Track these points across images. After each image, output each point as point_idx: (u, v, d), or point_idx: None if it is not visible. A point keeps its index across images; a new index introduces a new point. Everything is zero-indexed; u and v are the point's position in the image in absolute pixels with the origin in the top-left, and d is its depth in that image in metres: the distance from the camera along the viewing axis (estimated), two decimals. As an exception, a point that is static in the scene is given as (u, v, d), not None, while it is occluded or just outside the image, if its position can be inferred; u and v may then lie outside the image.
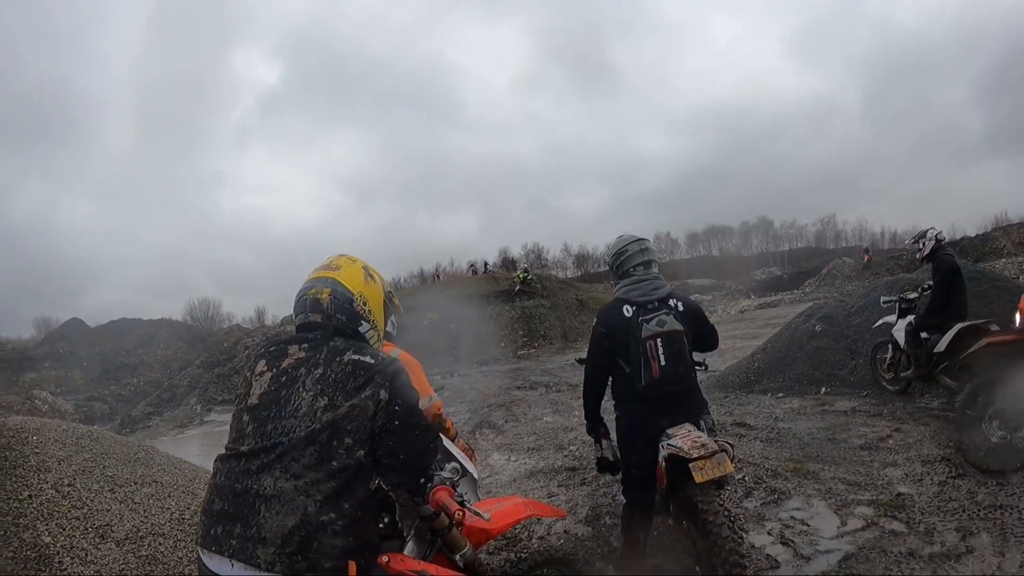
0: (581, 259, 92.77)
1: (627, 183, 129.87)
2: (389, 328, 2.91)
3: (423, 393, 4.04)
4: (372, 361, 2.35)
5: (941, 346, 7.64)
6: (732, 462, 3.87)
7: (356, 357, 2.35)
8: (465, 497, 2.63)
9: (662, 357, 4.04)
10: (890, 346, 9.07)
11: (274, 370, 2.40)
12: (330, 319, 2.51)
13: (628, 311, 4.18)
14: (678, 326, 4.10)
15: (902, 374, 8.81)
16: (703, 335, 4.42)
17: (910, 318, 8.53)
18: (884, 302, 9.38)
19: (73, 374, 39.63)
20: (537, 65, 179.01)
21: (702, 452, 3.77)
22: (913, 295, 8.78)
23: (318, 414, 2.24)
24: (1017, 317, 6.24)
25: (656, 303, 4.18)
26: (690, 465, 3.74)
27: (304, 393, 2.30)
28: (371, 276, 2.69)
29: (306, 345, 2.43)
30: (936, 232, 8.20)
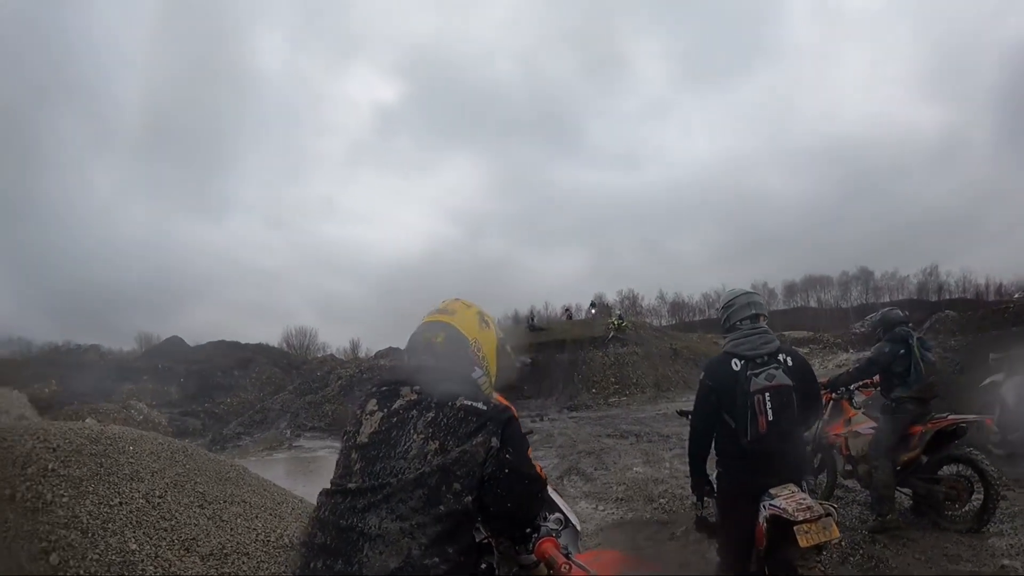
0: (676, 307, 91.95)
1: (735, 226, 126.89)
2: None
3: None
4: (484, 408, 2.32)
5: None
6: (837, 527, 3.74)
7: (469, 403, 2.33)
8: (568, 549, 2.54)
9: (770, 412, 3.97)
10: (998, 406, 8.55)
11: (385, 410, 2.40)
12: (444, 364, 2.49)
13: (736, 365, 4.11)
14: (787, 381, 4.02)
15: (1010, 436, 8.27)
16: (809, 397, 4.23)
17: (1021, 376, 8.06)
18: (993, 359, 8.87)
19: (170, 389, 40.94)
20: (668, 93, 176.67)
21: (808, 515, 3.68)
22: None
23: (428, 457, 2.22)
24: None
25: (765, 357, 4.10)
26: (795, 528, 3.67)
27: (415, 435, 2.28)
28: (485, 322, 2.68)
29: (418, 388, 2.42)
30: None
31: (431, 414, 2.30)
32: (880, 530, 6.42)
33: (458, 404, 2.31)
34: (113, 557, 3.87)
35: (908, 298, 73.21)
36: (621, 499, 8.73)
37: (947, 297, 71.18)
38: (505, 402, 3.12)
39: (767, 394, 3.97)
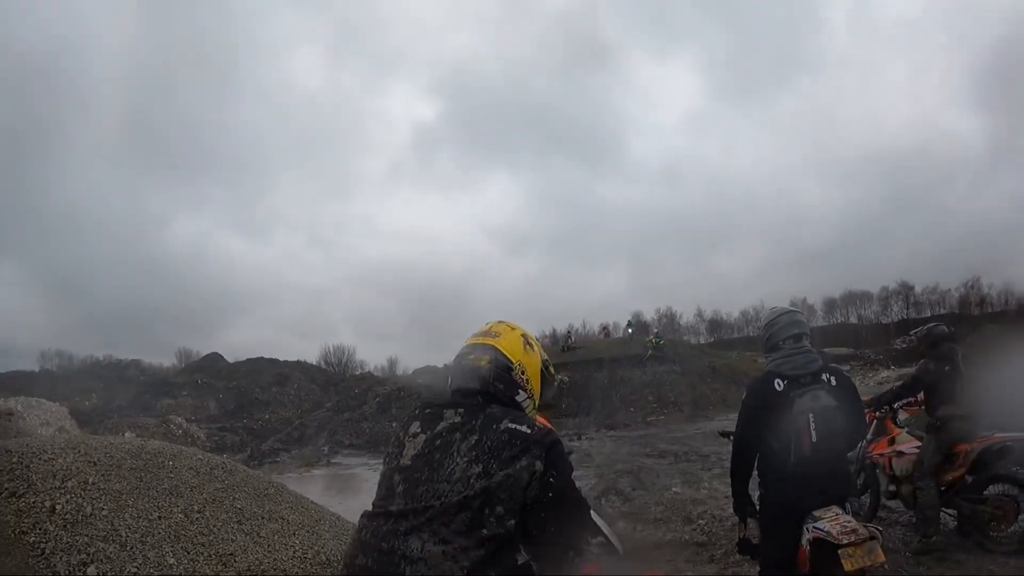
0: (715, 324, 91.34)
1: (774, 241, 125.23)
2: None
3: None
4: (529, 431, 2.27)
5: None
6: (882, 550, 3.68)
7: (513, 426, 2.28)
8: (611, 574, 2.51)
9: (814, 434, 3.91)
10: None
11: (428, 432, 2.37)
12: (488, 386, 2.46)
13: (780, 385, 4.04)
14: (832, 402, 3.96)
15: None
16: (853, 416, 4.16)
17: None
18: None
19: (209, 404, 41.45)
20: (708, 106, 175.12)
21: (853, 538, 3.60)
22: None
23: (471, 480, 2.18)
24: None
25: (809, 377, 4.03)
26: (839, 552, 3.59)
27: (458, 458, 2.25)
28: (530, 345, 2.64)
29: (462, 410, 2.39)
30: None
31: (475, 437, 2.28)
32: (925, 551, 6.26)
33: (502, 427, 2.28)
34: (151, 571, 3.90)
35: (949, 312, 71.89)
36: (659, 519, 8.63)
37: (990, 310, 69.86)
38: (549, 425, 3.10)
39: (811, 415, 3.91)
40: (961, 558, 5.96)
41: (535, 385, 2.61)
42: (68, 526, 4.01)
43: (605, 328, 54.66)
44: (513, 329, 2.64)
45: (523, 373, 2.55)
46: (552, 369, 2.75)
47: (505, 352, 2.53)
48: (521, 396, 2.53)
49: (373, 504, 2.35)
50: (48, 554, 3.83)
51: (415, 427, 2.41)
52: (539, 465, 2.21)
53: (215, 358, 55.57)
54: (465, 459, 2.23)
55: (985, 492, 6.38)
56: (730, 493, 4.44)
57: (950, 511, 6.58)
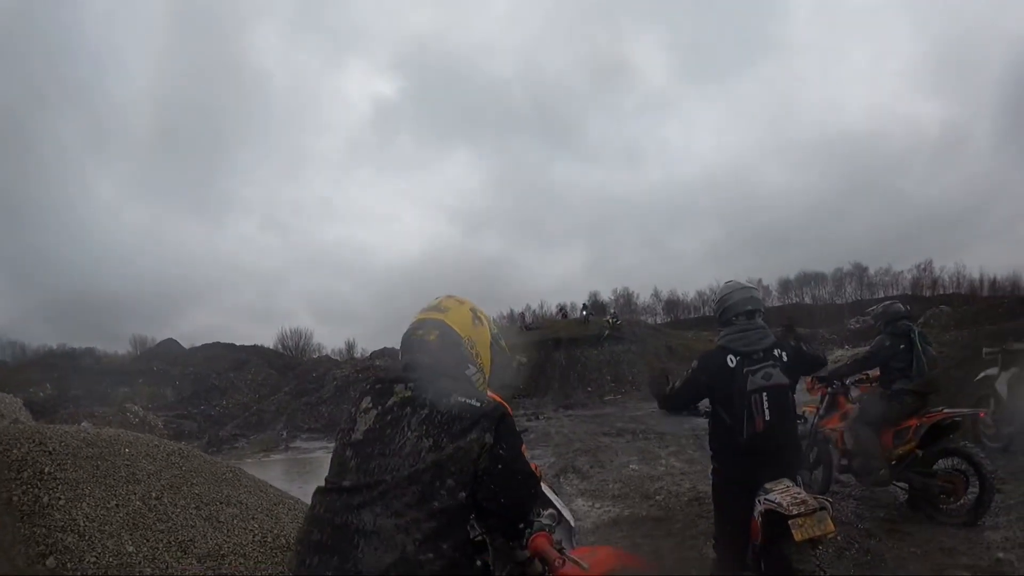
0: (671, 305, 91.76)
1: (731, 223, 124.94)
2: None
3: None
4: (478, 404, 2.31)
5: None
6: (832, 521, 3.75)
7: (463, 400, 2.31)
8: (561, 544, 2.55)
9: (767, 411, 3.98)
10: (992, 400, 8.64)
11: (379, 408, 2.39)
12: (437, 361, 2.49)
13: (732, 361, 4.11)
14: (784, 380, 4.05)
15: (1004, 430, 8.33)
16: (813, 368, 4.50)
17: (1014, 370, 8.20)
18: (987, 354, 9.13)
19: (165, 392, 40.90)
20: (670, 89, 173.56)
21: (802, 509, 3.67)
22: (1020, 345, 8.49)
23: (422, 454, 2.22)
24: None
25: (761, 353, 4.10)
26: (789, 523, 3.65)
27: (409, 433, 2.28)
28: (479, 319, 2.67)
29: (412, 385, 2.41)
30: None
31: (425, 411, 2.30)
32: (880, 484, 6.58)
33: (452, 401, 2.30)
34: (110, 560, 3.89)
35: (902, 293, 72.84)
36: (617, 496, 8.71)
37: (941, 292, 71.05)
38: (499, 399, 3.15)
39: (764, 394, 3.98)
40: (911, 530, 6.09)
41: (485, 359, 2.65)
42: (25, 517, 3.98)
43: (562, 309, 54.63)
44: (462, 303, 2.67)
45: (472, 347, 2.58)
46: (504, 343, 2.78)
47: (454, 326, 2.56)
48: (471, 370, 2.57)
49: (326, 480, 2.38)
50: (6, 547, 3.80)
51: (366, 402, 2.43)
52: (488, 438, 2.25)
53: (171, 344, 54.77)
54: (415, 433, 2.26)
55: (935, 466, 6.50)
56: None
57: (901, 485, 6.72)
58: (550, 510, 2.83)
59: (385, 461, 2.24)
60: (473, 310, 2.67)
